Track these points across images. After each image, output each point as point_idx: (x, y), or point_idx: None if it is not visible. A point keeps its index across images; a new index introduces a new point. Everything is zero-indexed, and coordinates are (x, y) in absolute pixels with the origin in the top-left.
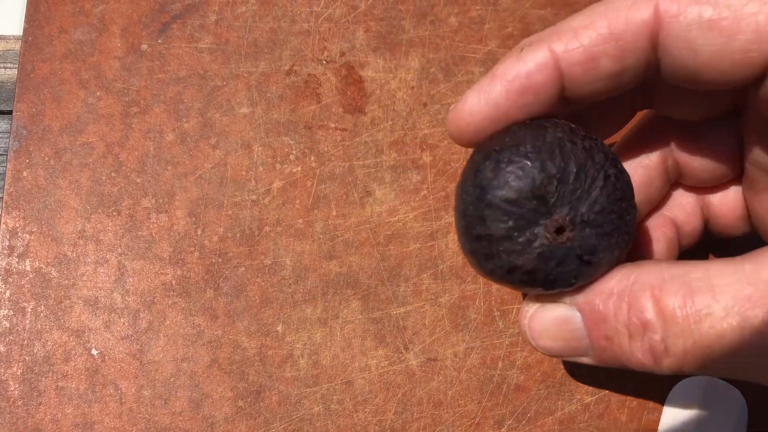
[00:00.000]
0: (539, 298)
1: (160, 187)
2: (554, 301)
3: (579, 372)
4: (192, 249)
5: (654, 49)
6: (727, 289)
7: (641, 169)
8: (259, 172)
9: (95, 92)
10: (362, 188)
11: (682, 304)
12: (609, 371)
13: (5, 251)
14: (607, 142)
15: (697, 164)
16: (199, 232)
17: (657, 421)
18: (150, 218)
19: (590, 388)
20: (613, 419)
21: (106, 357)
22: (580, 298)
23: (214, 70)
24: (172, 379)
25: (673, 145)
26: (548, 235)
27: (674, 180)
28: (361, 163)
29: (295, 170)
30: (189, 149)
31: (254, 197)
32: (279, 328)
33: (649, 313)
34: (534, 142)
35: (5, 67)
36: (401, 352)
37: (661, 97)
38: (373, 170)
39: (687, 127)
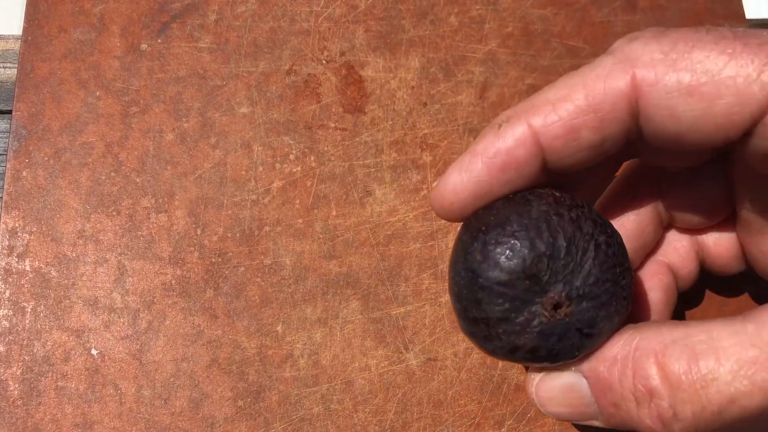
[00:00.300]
0: (544, 368)
1: (160, 186)
2: (559, 369)
3: None
4: (192, 249)
5: (634, 117)
6: (731, 351)
7: (633, 217)
8: (258, 172)
9: (95, 92)
10: (362, 188)
11: (687, 369)
12: None
13: (5, 251)
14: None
15: (688, 209)
16: (198, 231)
17: None
18: (150, 218)
19: None
20: None
21: (106, 357)
22: (585, 366)
23: (214, 69)
24: (171, 379)
25: (662, 192)
26: (546, 313)
27: (667, 224)
28: (361, 162)
29: (295, 170)
30: (189, 149)
31: (254, 197)
32: (279, 328)
33: (655, 380)
34: (520, 220)
35: (5, 67)
36: (401, 352)
37: (646, 150)
38: (373, 170)
39: (675, 173)
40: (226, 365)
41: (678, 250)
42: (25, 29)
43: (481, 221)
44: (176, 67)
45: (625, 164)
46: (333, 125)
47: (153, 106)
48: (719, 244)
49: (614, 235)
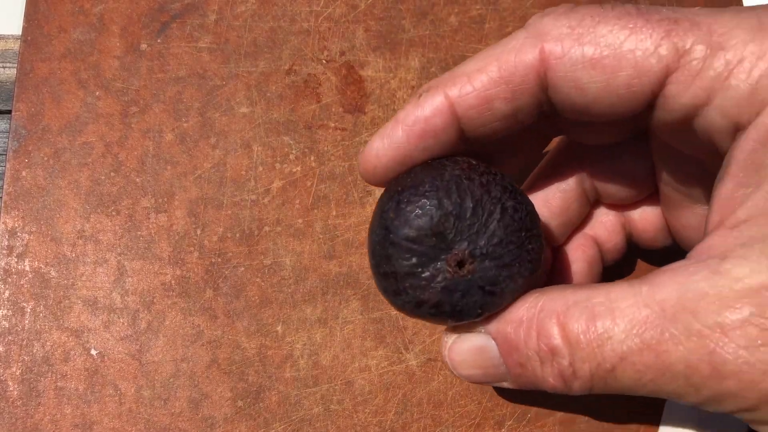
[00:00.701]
0: (456, 329)
1: (160, 186)
2: (470, 331)
3: None
4: (191, 249)
5: (544, 89)
6: (626, 312)
7: (558, 194)
8: (258, 172)
9: (94, 92)
10: (362, 188)
11: (586, 328)
12: None
13: (4, 251)
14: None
15: (613, 185)
16: (198, 232)
17: (658, 422)
18: (149, 218)
19: None
20: (613, 420)
21: (106, 357)
22: (493, 327)
23: (214, 69)
24: (171, 380)
25: (588, 168)
26: (450, 269)
27: (594, 200)
28: None
29: (294, 170)
30: (188, 149)
31: (254, 197)
32: (279, 329)
33: (556, 339)
34: (432, 182)
35: (4, 67)
36: (401, 353)
37: (569, 126)
38: None
39: (600, 150)
40: (225, 365)
41: (604, 224)
42: (24, 29)
43: (398, 183)
44: (176, 67)
45: (554, 142)
46: (333, 125)
47: (153, 106)
48: (645, 218)
49: (523, 202)
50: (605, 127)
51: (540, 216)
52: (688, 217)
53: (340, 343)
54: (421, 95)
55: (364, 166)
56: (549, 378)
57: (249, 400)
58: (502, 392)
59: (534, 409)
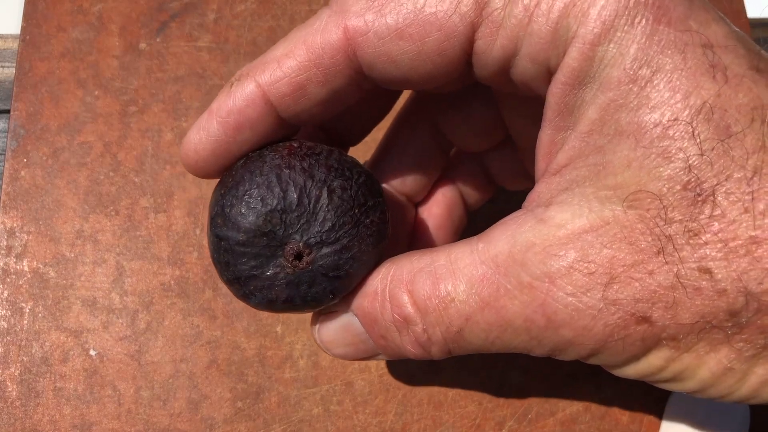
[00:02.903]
0: (321, 313)
1: (159, 186)
2: (335, 312)
3: (580, 372)
4: (191, 249)
5: (356, 68)
6: (465, 271)
7: (412, 150)
8: None
9: (93, 91)
10: None
11: (431, 293)
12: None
13: (3, 251)
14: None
15: (465, 133)
16: (197, 231)
17: (658, 423)
18: (148, 218)
19: (592, 389)
20: (614, 420)
21: (105, 358)
22: (354, 303)
23: (213, 68)
24: (170, 380)
25: (438, 120)
26: (288, 264)
27: (451, 150)
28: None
29: None
30: None
31: None
32: (278, 329)
33: (407, 307)
34: (252, 178)
35: (3, 66)
36: None
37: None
38: None
39: (447, 99)
40: (225, 366)
41: (463, 169)
42: (23, 28)
43: (222, 185)
44: (175, 66)
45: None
46: None
47: (152, 105)
48: (503, 162)
49: (353, 176)
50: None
51: (397, 174)
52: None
53: None
54: (233, 83)
55: (184, 160)
56: (408, 346)
57: (248, 400)
58: (503, 390)
59: (534, 410)
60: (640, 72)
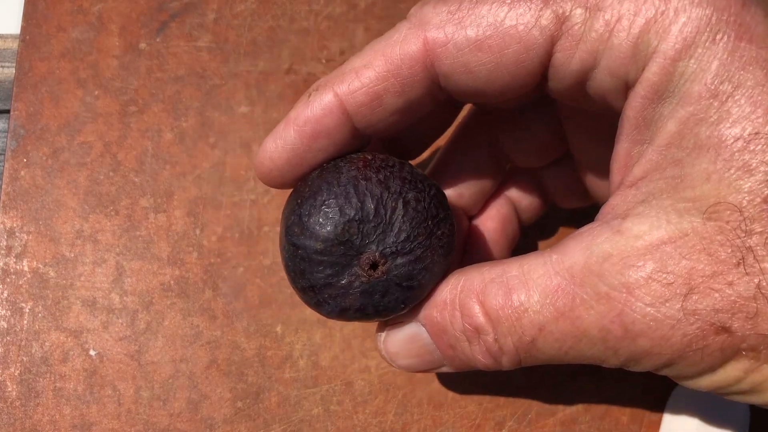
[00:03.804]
0: (387, 323)
1: (159, 186)
2: (401, 322)
3: (580, 372)
4: (190, 249)
5: (433, 79)
6: (539, 282)
7: (470, 164)
8: None
9: (93, 91)
10: None
11: (504, 303)
12: (613, 371)
13: (3, 251)
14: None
15: (523, 149)
16: (197, 232)
17: (658, 423)
18: (148, 218)
19: (592, 388)
20: (614, 420)
21: (105, 358)
22: (421, 313)
23: (213, 68)
24: (170, 380)
25: (497, 135)
26: (364, 273)
27: (508, 166)
28: None
29: None
30: (187, 148)
31: (253, 197)
32: (278, 329)
33: (478, 317)
34: (329, 189)
35: (3, 66)
36: None
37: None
38: None
39: (507, 115)
40: (225, 366)
41: (517, 183)
42: (23, 28)
43: (298, 194)
44: (175, 66)
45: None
46: None
47: (152, 105)
48: (560, 179)
49: (425, 189)
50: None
51: (454, 188)
52: (603, 176)
53: (339, 343)
54: (310, 94)
55: (259, 168)
56: (478, 356)
57: (248, 400)
58: (503, 391)
59: (535, 410)
60: (721, 87)
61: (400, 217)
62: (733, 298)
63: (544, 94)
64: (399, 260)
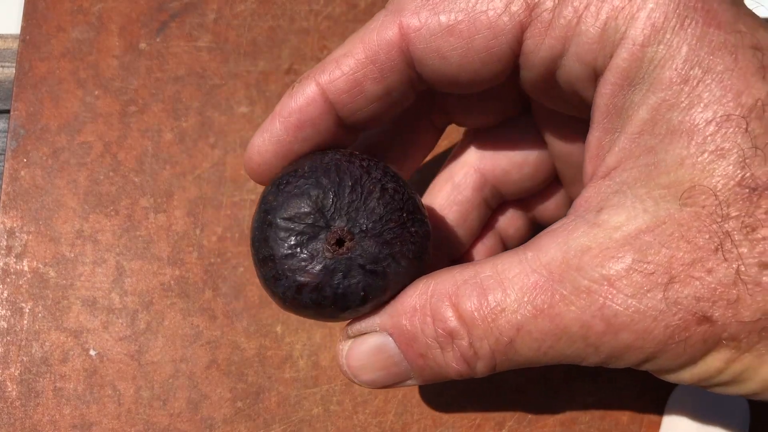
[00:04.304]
0: (349, 332)
1: (159, 186)
2: (365, 333)
3: (581, 373)
4: (190, 249)
5: (410, 64)
6: (514, 281)
7: (455, 207)
8: None
9: (93, 91)
10: None
11: (479, 305)
12: (612, 371)
13: (3, 251)
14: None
15: (514, 175)
16: (197, 232)
17: (658, 423)
18: (148, 218)
19: (591, 389)
20: (614, 421)
21: (105, 358)
22: (387, 321)
23: (213, 68)
24: (170, 380)
25: (483, 166)
26: (329, 247)
27: (496, 205)
28: None
29: None
30: (187, 148)
31: (253, 197)
32: (278, 329)
33: (452, 321)
34: (311, 164)
35: (3, 66)
36: None
37: (452, 107)
38: None
39: (495, 143)
40: (225, 366)
41: (506, 216)
42: (23, 28)
43: (280, 172)
44: (175, 66)
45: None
46: None
47: (152, 105)
48: (549, 209)
49: (405, 186)
50: (485, 101)
51: (443, 226)
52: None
53: None
54: (294, 86)
55: (248, 164)
56: (452, 363)
57: (248, 400)
58: (503, 391)
59: (535, 410)
60: (691, 72)
61: (375, 199)
62: (713, 285)
63: (521, 95)
64: (367, 241)
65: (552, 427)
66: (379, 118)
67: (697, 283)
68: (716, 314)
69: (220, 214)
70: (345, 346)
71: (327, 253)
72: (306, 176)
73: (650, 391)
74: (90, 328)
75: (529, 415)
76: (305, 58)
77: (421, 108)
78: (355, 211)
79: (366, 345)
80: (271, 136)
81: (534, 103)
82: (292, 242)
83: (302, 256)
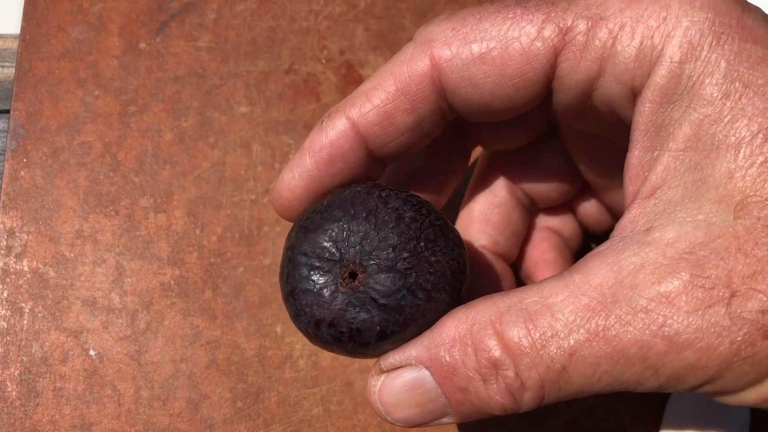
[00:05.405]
0: (382, 367)
1: (159, 186)
2: (400, 367)
3: None
4: (190, 249)
5: (442, 94)
6: (563, 305)
7: (495, 209)
8: (257, 172)
9: (93, 91)
10: None
11: (525, 332)
12: None
13: (3, 251)
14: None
15: (542, 188)
16: (197, 232)
17: (659, 423)
18: (148, 218)
19: None
20: (615, 421)
21: (104, 358)
22: (424, 354)
23: (213, 68)
24: (170, 380)
25: (514, 178)
26: (342, 282)
27: (532, 209)
28: None
29: None
30: (187, 148)
31: (253, 197)
32: (278, 329)
33: (496, 350)
34: (330, 199)
35: (2, 66)
36: None
37: (480, 133)
38: None
39: (520, 157)
40: (225, 366)
41: (554, 219)
42: (23, 28)
43: (305, 209)
44: (175, 66)
45: (478, 163)
46: None
47: (151, 105)
48: (587, 212)
49: (429, 215)
50: (514, 127)
51: (486, 234)
52: (621, 196)
53: None
54: (323, 121)
55: (278, 201)
56: (495, 396)
57: (248, 400)
58: None
59: (536, 411)
60: (732, 87)
61: (389, 229)
62: None
63: (550, 121)
64: (382, 275)
65: (554, 427)
66: (409, 149)
67: (761, 295)
68: None
69: (220, 214)
70: (377, 382)
71: (341, 288)
72: (323, 211)
73: (652, 393)
74: (90, 328)
75: (531, 416)
76: (305, 58)
77: (451, 135)
78: (369, 243)
79: (400, 380)
80: (302, 171)
81: (562, 125)
82: (310, 278)
83: (319, 291)
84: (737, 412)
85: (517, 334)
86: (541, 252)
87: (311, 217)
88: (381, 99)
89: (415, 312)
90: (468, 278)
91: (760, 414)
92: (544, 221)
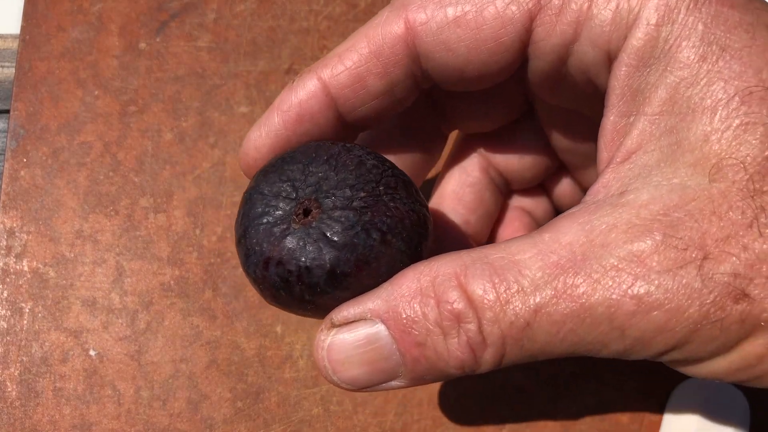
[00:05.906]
0: (333, 320)
1: (159, 186)
2: (353, 321)
3: (581, 373)
4: (190, 249)
5: (416, 59)
6: (531, 261)
7: (468, 189)
8: None
9: (93, 91)
10: None
11: (491, 286)
12: (613, 372)
13: (3, 251)
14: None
15: (516, 167)
16: (197, 232)
17: (658, 423)
18: (148, 218)
19: (592, 389)
20: (615, 421)
21: (104, 358)
22: (381, 306)
23: (213, 68)
24: (170, 380)
25: (488, 158)
26: (295, 218)
27: (506, 190)
28: None
29: None
30: (187, 148)
31: None
32: (278, 329)
33: (459, 303)
34: (298, 148)
35: (2, 66)
36: None
37: (457, 111)
38: None
39: (494, 137)
40: (225, 366)
41: (527, 199)
42: (23, 28)
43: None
44: (175, 66)
45: (452, 146)
46: None
47: (151, 105)
48: (562, 191)
49: (390, 167)
50: (491, 104)
51: (458, 213)
52: (596, 174)
53: None
54: (294, 80)
55: (244, 159)
56: (455, 351)
57: (248, 400)
58: (503, 391)
59: (535, 410)
60: (708, 50)
61: (348, 170)
62: (750, 261)
63: (527, 97)
64: (337, 212)
65: (552, 427)
66: (379, 115)
67: (734, 259)
68: (754, 292)
69: (219, 214)
70: (327, 337)
71: (294, 225)
72: (285, 156)
73: (650, 392)
74: (90, 328)
75: (530, 416)
76: (305, 58)
77: (428, 113)
78: (327, 183)
79: (353, 335)
80: (269, 130)
81: (537, 103)
82: (264, 216)
83: (270, 229)
84: (737, 412)
85: (482, 287)
86: (512, 232)
87: (273, 161)
88: (353, 61)
89: (368, 253)
90: (429, 240)
91: (761, 413)
92: (517, 202)
